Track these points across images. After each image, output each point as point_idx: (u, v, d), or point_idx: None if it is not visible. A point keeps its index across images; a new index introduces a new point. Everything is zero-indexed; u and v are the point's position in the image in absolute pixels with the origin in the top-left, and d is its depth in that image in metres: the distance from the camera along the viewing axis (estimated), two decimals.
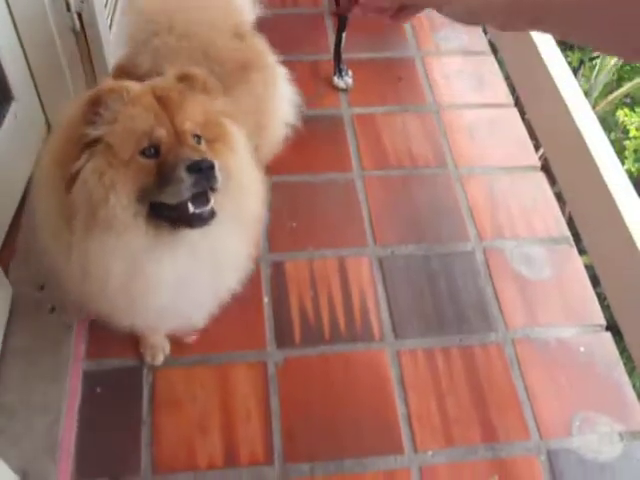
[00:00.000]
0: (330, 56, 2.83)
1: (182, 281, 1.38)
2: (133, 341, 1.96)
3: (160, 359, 1.95)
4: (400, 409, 1.92)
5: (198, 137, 1.30)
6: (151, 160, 1.24)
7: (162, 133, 1.23)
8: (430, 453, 1.85)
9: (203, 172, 1.20)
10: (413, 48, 3.04)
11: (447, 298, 2.17)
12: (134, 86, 1.28)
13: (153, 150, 1.24)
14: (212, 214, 1.28)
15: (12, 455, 1.69)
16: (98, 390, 1.92)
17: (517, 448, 1.88)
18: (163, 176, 1.22)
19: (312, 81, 2.83)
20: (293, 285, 2.15)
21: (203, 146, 1.30)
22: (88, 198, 1.21)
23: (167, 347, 1.97)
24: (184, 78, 1.34)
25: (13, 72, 2.16)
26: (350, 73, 2.81)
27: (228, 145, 1.36)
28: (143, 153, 1.23)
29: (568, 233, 2.38)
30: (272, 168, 2.02)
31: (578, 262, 2.30)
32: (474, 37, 3.12)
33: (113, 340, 1.99)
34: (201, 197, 1.25)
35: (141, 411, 1.88)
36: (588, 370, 2.03)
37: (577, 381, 2.01)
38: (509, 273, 2.25)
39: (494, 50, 3.07)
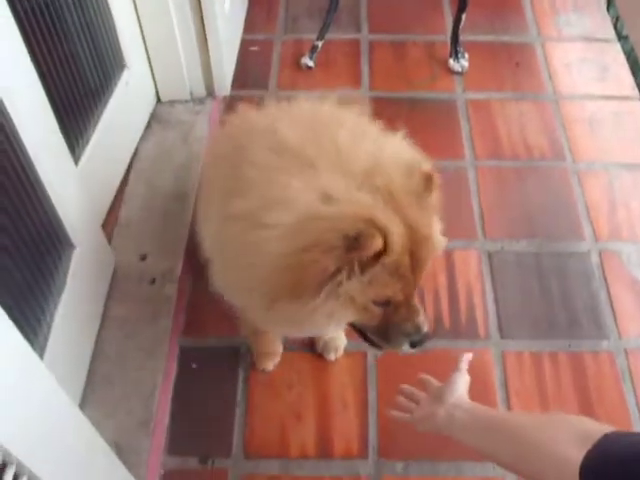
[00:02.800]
0: (446, 37, 2.72)
1: None
2: (232, 320, 1.93)
3: (270, 367, 1.89)
4: None
5: None
6: (380, 308, 1.23)
7: (400, 298, 1.23)
8: None
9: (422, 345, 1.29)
10: (533, 32, 2.89)
11: (558, 300, 2.05)
12: (396, 238, 1.13)
13: (385, 303, 1.23)
14: None
15: (107, 426, 1.68)
16: (194, 366, 1.91)
17: None
18: (385, 332, 1.28)
19: (427, 63, 2.73)
20: None
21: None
22: (308, 320, 1.21)
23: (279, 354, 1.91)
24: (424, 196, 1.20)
25: (127, 41, 2.15)
26: (466, 56, 2.69)
27: None
28: (375, 302, 1.22)
29: None
30: None
31: None
32: (598, 23, 2.95)
33: (212, 317, 1.97)
34: None
35: (236, 392, 1.85)
36: None
37: None
38: (625, 278, 2.11)
39: (620, 38, 2.89)
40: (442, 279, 2.08)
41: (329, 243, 1.09)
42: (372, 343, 1.33)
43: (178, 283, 1.99)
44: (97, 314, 1.90)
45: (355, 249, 1.09)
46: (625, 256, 2.16)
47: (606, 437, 1.01)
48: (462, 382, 1.44)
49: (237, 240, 1.25)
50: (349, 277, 1.12)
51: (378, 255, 1.11)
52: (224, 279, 1.39)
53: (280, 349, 1.90)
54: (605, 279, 2.10)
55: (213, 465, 1.75)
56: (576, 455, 1.00)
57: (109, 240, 2.03)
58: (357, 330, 1.31)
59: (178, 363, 1.91)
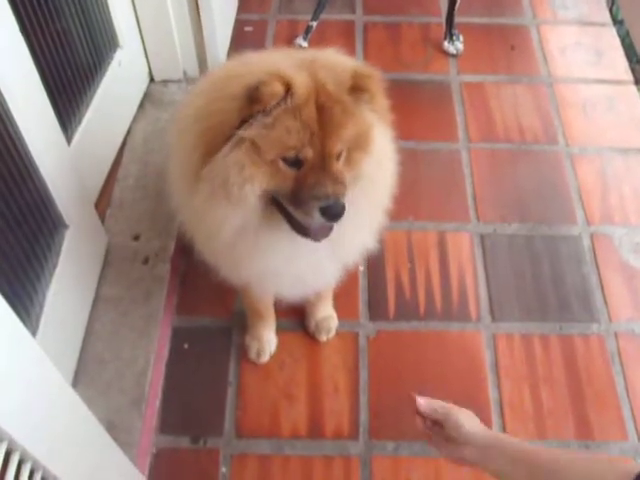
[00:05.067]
0: (441, 19, 2.71)
1: (294, 256, 1.40)
2: (224, 300, 1.94)
3: (265, 359, 1.89)
4: (492, 395, 1.84)
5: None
6: (292, 169, 1.22)
7: (309, 154, 1.21)
8: None
9: (333, 217, 1.22)
10: (529, 15, 2.89)
11: (549, 283, 2.06)
12: (299, 85, 1.16)
13: (296, 162, 1.22)
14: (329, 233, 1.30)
15: (99, 404, 1.68)
16: (186, 346, 1.91)
17: (613, 448, 1.78)
18: (297, 197, 1.23)
19: (421, 44, 2.72)
20: (390, 255, 2.08)
21: (342, 161, 1.26)
22: (224, 181, 1.22)
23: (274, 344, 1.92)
24: (358, 90, 1.21)
25: (120, 20, 2.13)
26: (461, 38, 2.69)
27: (367, 151, 1.29)
28: (285, 160, 1.21)
29: None
30: None
31: None
32: (594, 7, 2.94)
33: (204, 297, 1.97)
34: (325, 228, 1.28)
35: (228, 372, 1.86)
36: None
37: None
38: (616, 262, 2.12)
39: (615, 22, 2.89)
40: (434, 260, 2.09)
41: (232, 93, 1.17)
42: (297, 227, 1.29)
43: (171, 263, 1.99)
44: (90, 294, 1.89)
45: (256, 98, 1.13)
46: (616, 240, 2.17)
47: None
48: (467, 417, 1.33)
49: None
50: (252, 124, 1.17)
51: (278, 98, 1.15)
52: (171, 169, 1.48)
53: (271, 314, 1.89)
54: (596, 263, 2.11)
55: (205, 445, 1.75)
56: None
57: (102, 220, 2.02)
58: (282, 213, 1.29)
59: (170, 343, 1.92)
